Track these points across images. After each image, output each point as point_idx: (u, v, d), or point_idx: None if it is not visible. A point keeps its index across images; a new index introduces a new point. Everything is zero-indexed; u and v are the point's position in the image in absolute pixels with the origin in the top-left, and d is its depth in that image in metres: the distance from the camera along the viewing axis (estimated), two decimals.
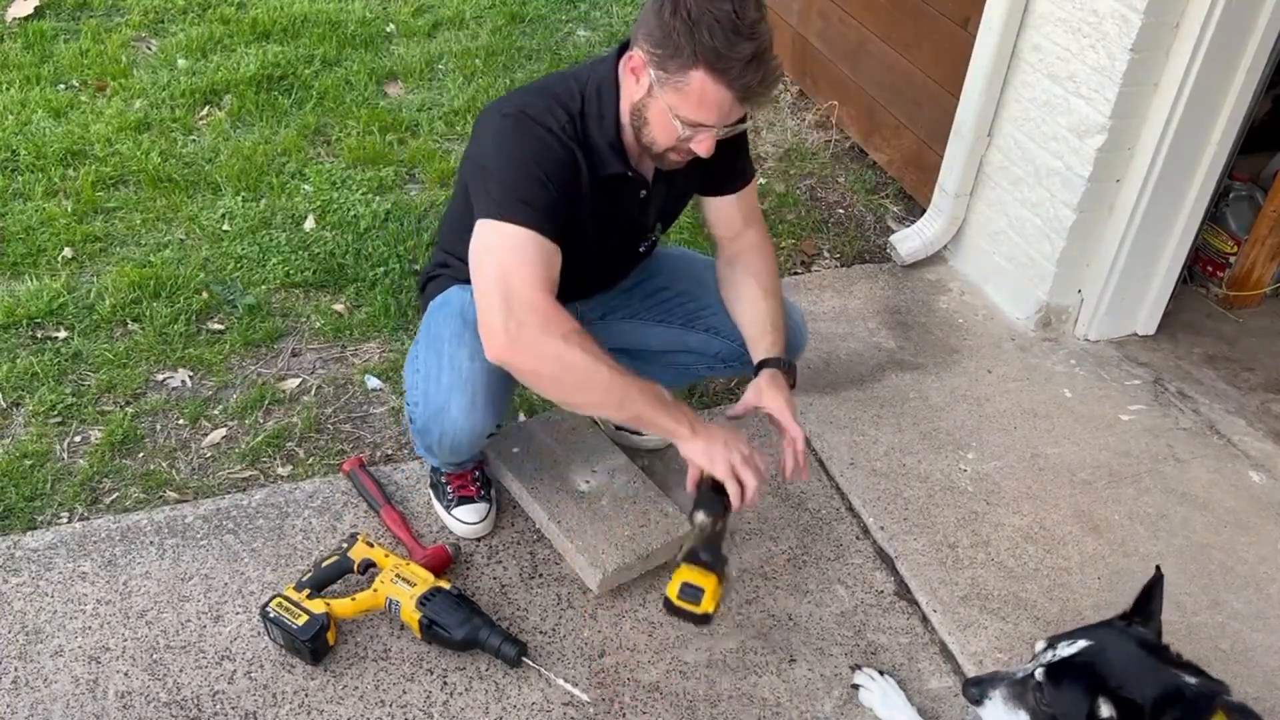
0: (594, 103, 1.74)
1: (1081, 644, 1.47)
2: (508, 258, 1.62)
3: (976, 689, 1.57)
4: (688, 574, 1.71)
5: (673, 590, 1.71)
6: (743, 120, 1.70)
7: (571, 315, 1.65)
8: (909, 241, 3.09)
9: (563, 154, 1.70)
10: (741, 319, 1.98)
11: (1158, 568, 1.55)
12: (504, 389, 1.86)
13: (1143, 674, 1.42)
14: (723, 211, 2.02)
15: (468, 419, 1.81)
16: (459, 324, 1.81)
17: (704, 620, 1.72)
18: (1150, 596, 1.54)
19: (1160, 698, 1.37)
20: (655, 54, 1.61)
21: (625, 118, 1.74)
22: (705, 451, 1.69)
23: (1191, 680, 1.41)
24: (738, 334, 2.01)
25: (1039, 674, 1.49)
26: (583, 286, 1.97)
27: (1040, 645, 1.54)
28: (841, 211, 3.35)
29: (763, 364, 1.91)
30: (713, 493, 1.72)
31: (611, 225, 1.86)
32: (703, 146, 1.69)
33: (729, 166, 1.97)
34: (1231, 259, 3.02)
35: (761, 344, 1.93)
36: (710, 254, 2.13)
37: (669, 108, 1.64)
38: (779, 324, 1.97)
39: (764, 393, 1.87)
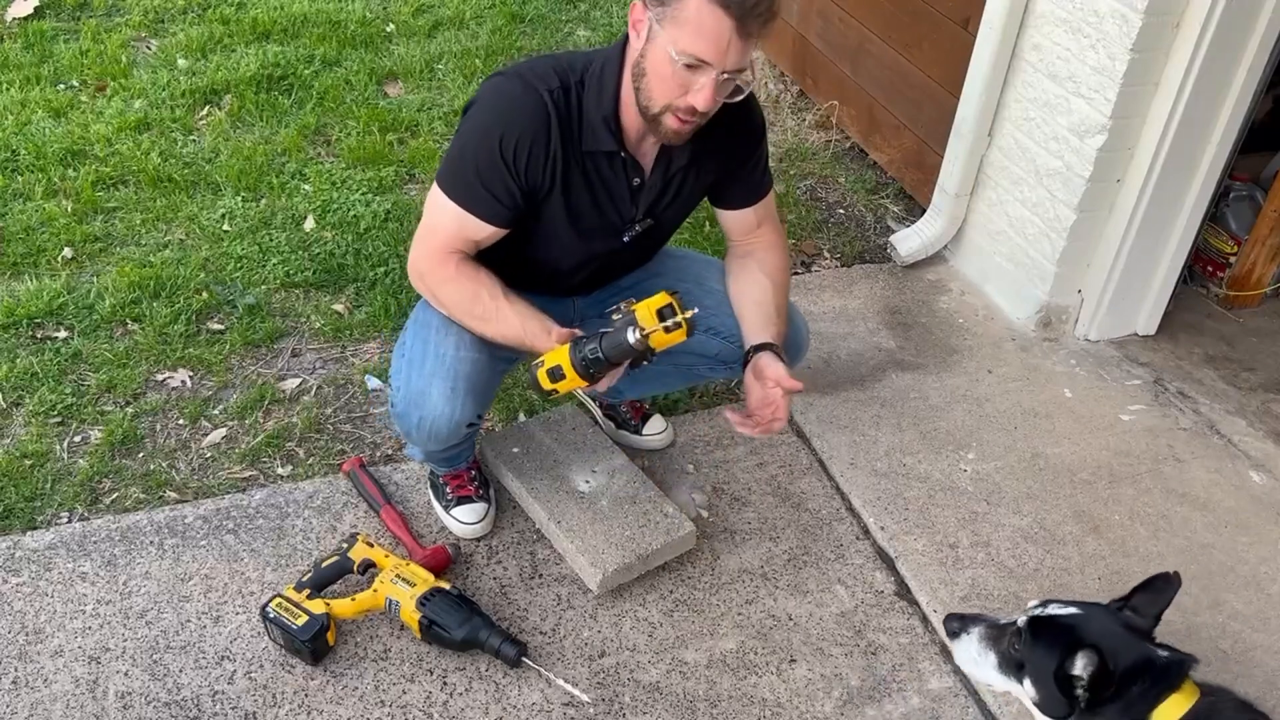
0: (596, 79, 1.75)
1: (1072, 610, 1.52)
2: (439, 221, 1.81)
3: (957, 623, 1.63)
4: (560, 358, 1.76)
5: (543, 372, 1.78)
6: (742, 71, 1.64)
7: (461, 266, 1.79)
8: (909, 241, 3.08)
9: (537, 118, 1.72)
10: (744, 309, 1.97)
11: (1177, 575, 1.55)
12: (487, 381, 1.88)
13: (1119, 645, 1.46)
14: (736, 220, 2.02)
15: (448, 404, 1.82)
16: (447, 315, 1.84)
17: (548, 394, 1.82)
18: (1148, 587, 1.55)
19: (1131, 666, 1.43)
20: None
21: (626, 90, 1.72)
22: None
23: (1163, 652, 1.46)
24: (736, 334, 1.99)
25: (1021, 621, 1.54)
26: (560, 270, 1.96)
27: (1034, 602, 1.58)
28: (841, 211, 3.35)
29: (759, 347, 1.89)
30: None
31: (589, 202, 1.84)
32: (702, 96, 1.62)
33: (743, 182, 1.97)
34: (1232, 259, 3.01)
35: (764, 332, 1.91)
36: (711, 253, 2.12)
37: (669, 44, 1.59)
38: (784, 317, 1.97)
39: (765, 368, 1.85)
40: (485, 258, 1.84)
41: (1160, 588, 1.54)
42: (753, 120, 1.91)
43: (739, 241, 2.05)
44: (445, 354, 1.83)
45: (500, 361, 1.91)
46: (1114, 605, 1.57)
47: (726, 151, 1.77)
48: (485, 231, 1.79)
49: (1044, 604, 1.56)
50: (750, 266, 2.01)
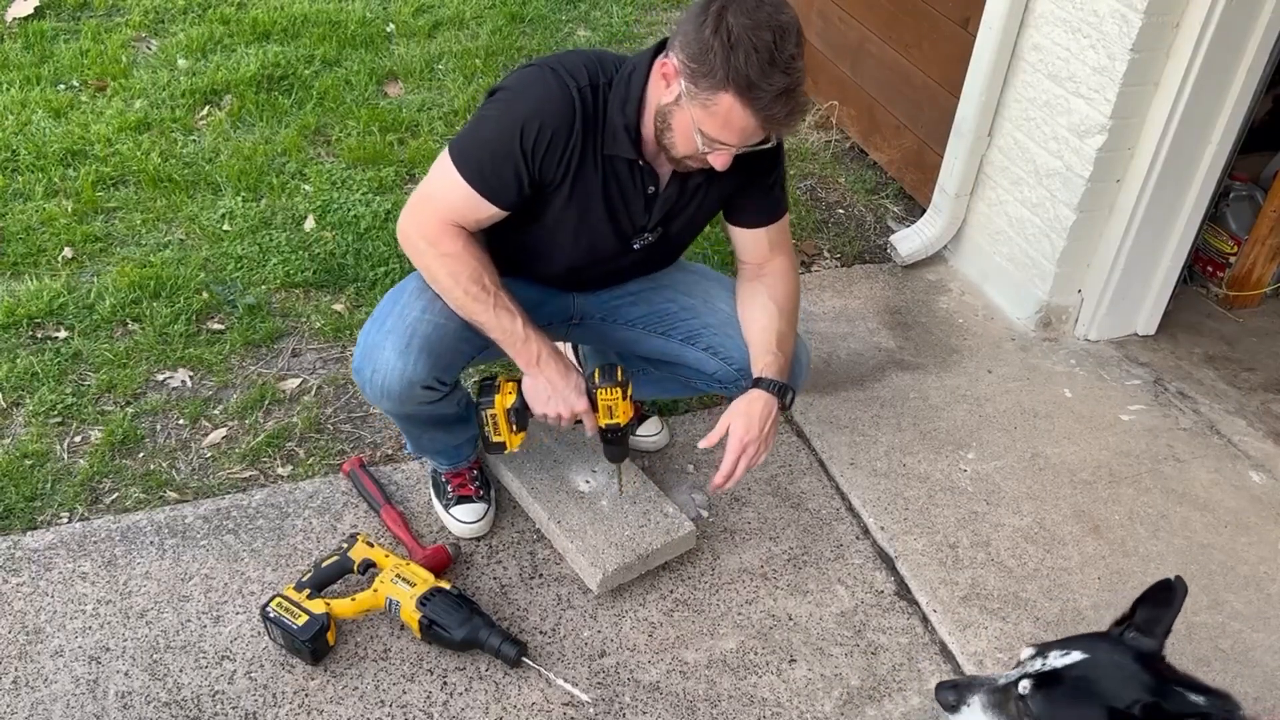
0: (623, 85, 1.77)
1: (1076, 655, 1.35)
2: (440, 189, 1.81)
3: (952, 693, 1.43)
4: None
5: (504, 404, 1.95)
6: (765, 141, 1.72)
7: (468, 245, 1.79)
8: (909, 241, 3.09)
9: (562, 111, 1.74)
10: (750, 336, 1.98)
11: (1178, 577, 1.40)
12: (449, 348, 1.86)
13: (1144, 692, 1.29)
14: (749, 240, 2.00)
15: (400, 359, 1.81)
16: (424, 282, 1.85)
17: (499, 448, 2.01)
18: (1150, 602, 1.41)
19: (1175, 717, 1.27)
20: (689, 67, 1.63)
21: (649, 114, 1.76)
22: (530, 389, 1.89)
23: (1199, 699, 1.29)
24: (735, 357, 2.00)
25: (1025, 685, 1.35)
26: (562, 265, 1.96)
27: (1028, 652, 1.42)
28: (841, 211, 3.35)
29: (754, 383, 1.93)
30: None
31: (602, 205, 1.85)
32: (719, 160, 1.72)
33: (759, 199, 1.96)
34: (1231, 259, 3.02)
35: (759, 363, 1.94)
36: (720, 267, 2.10)
37: (693, 121, 1.67)
38: (786, 347, 1.95)
39: (731, 411, 1.88)
40: (488, 245, 1.84)
41: (1163, 598, 1.39)
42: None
43: (751, 265, 2.02)
44: (408, 314, 1.83)
45: (471, 334, 1.87)
46: (1115, 629, 1.41)
47: (743, 164, 1.78)
48: (487, 211, 1.79)
49: (1040, 652, 1.38)
50: (759, 291, 1.99)
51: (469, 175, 1.76)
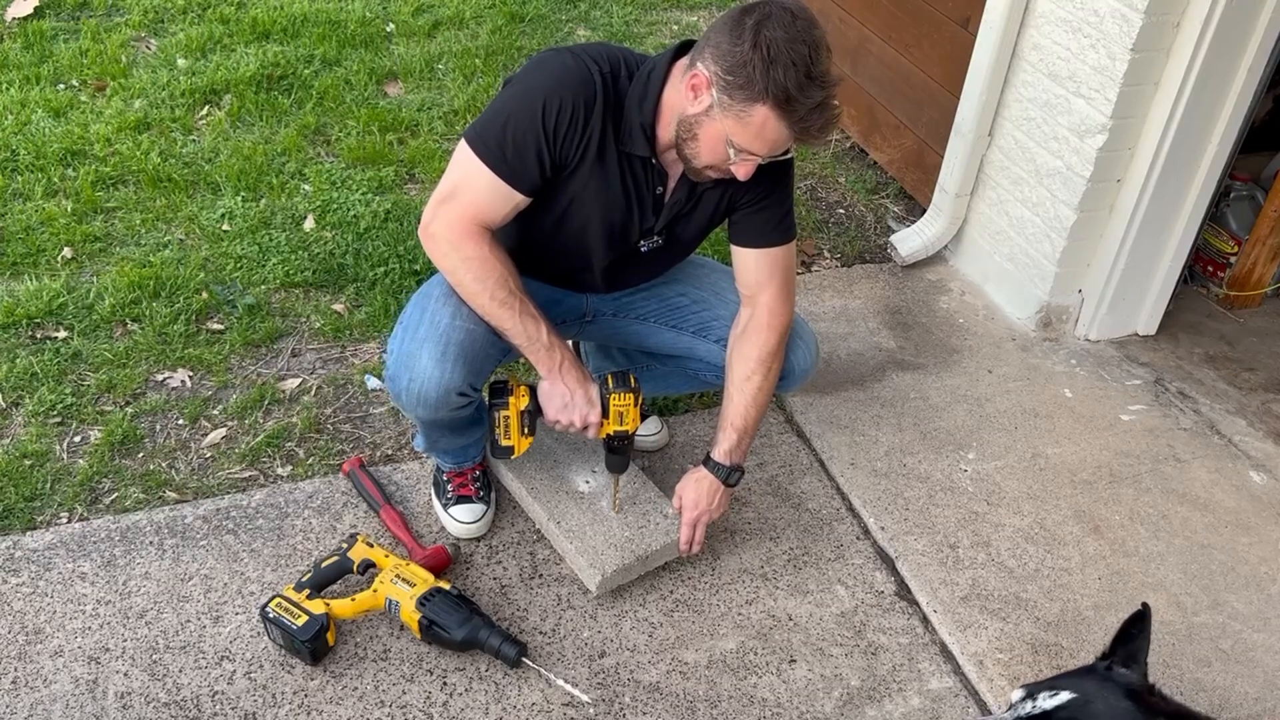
0: (641, 82, 1.77)
1: (1065, 696, 1.35)
2: (463, 182, 1.79)
3: None
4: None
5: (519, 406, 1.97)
6: (787, 151, 1.74)
7: (493, 248, 1.79)
8: (909, 241, 3.08)
9: (584, 91, 1.73)
10: (725, 394, 2.00)
11: (1145, 605, 1.44)
12: (480, 352, 1.86)
13: None
14: (745, 262, 1.97)
15: (437, 367, 1.81)
16: (449, 287, 1.85)
17: (508, 451, 2.00)
18: (1129, 635, 1.43)
19: None
20: (724, 79, 1.63)
21: (664, 117, 1.76)
22: (547, 394, 1.91)
23: None
24: None
25: None
26: (573, 256, 1.95)
27: (1017, 694, 1.41)
28: (842, 211, 3.35)
29: (704, 460, 2.01)
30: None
31: (616, 197, 1.84)
32: (742, 170, 1.73)
33: (760, 219, 1.93)
34: (1232, 259, 3.01)
35: (717, 437, 1.99)
36: (726, 260, 2.09)
37: (725, 132, 1.67)
38: (748, 421, 1.96)
39: (682, 484, 2.04)
40: (502, 241, 1.85)
41: (1139, 629, 1.42)
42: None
43: (744, 295, 1.99)
44: (440, 321, 1.83)
45: (497, 338, 1.88)
46: (1100, 663, 1.42)
47: (754, 179, 1.78)
48: (512, 201, 1.78)
49: (1030, 694, 1.38)
50: (735, 351, 1.98)
51: (491, 161, 1.74)
